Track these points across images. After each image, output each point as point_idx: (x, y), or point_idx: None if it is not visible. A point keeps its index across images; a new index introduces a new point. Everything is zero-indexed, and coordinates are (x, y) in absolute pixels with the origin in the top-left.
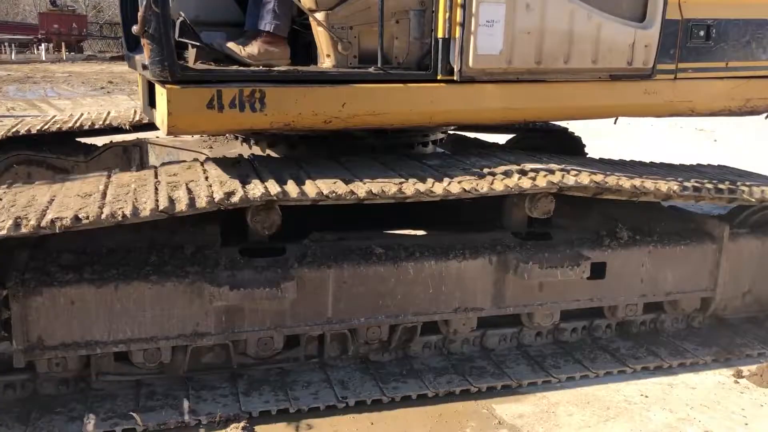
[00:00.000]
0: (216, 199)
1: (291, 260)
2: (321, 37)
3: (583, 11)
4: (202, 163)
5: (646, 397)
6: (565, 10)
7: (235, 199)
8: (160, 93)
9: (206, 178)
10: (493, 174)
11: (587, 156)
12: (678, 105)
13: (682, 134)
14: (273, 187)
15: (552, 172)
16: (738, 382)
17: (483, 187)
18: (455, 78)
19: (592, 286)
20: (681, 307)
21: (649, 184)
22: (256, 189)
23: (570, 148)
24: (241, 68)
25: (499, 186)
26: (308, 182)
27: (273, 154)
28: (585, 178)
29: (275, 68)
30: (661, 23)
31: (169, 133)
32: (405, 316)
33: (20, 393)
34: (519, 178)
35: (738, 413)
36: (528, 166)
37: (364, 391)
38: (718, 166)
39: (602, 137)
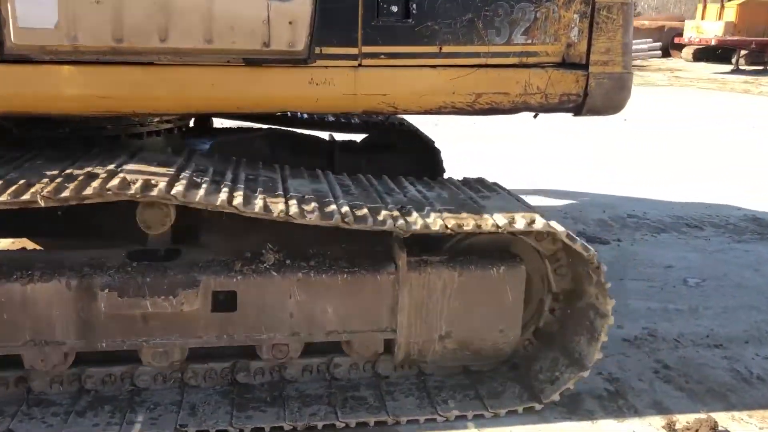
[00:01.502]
0: None
1: None
2: None
3: None
4: None
5: None
6: None
7: None
8: None
9: None
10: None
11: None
12: (367, 99)
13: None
14: None
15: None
16: None
17: None
18: None
19: (221, 321)
20: (355, 350)
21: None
22: None
23: (422, 154)
24: None
25: None
26: None
27: None
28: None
29: None
30: None
31: None
32: None
33: None
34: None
35: None
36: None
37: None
38: (477, 180)
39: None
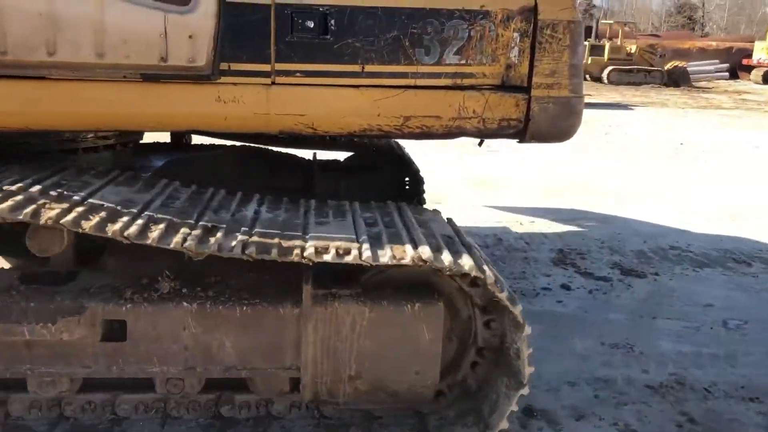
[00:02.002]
0: None
1: None
2: None
3: None
4: None
5: None
6: None
7: None
8: None
9: None
10: None
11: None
12: (282, 119)
13: None
14: None
15: None
16: None
17: None
18: None
19: (111, 351)
20: (259, 387)
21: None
22: None
23: (404, 178)
24: None
25: None
26: None
27: None
28: None
29: None
30: (218, 7)
31: None
32: None
33: None
34: None
35: None
36: None
37: None
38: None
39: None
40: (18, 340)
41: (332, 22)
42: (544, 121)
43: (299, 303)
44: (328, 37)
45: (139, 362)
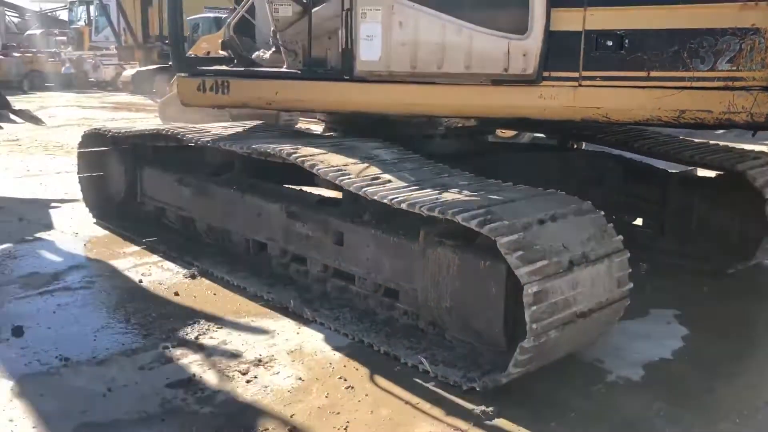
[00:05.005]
0: None
1: None
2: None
3: (453, 26)
4: None
5: None
6: (436, 26)
7: None
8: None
9: None
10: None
11: None
12: (584, 110)
13: None
14: None
15: None
16: None
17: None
18: (348, 78)
19: (337, 251)
20: (401, 300)
21: None
22: None
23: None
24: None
25: None
26: None
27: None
28: None
29: (235, 66)
30: (544, 35)
31: (183, 104)
32: None
33: None
34: None
35: None
36: None
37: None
38: None
39: None
40: (302, 232)
41: (626, 41)
42: None
43: (419, 243)
44: (623, 51)
45: (348, 262)
